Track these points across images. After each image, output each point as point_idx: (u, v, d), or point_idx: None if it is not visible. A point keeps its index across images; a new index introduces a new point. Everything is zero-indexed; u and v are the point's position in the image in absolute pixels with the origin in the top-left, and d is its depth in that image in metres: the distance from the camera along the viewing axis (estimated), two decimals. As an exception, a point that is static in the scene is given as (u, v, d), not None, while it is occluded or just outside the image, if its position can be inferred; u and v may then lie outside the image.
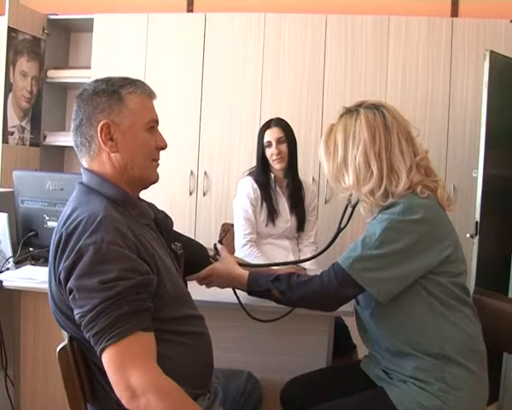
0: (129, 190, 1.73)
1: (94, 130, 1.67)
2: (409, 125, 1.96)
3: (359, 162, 1.90)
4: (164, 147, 1.79)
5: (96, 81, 1.72)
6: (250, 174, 3.43)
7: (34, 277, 2.50)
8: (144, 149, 1.72)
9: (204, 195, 4.45)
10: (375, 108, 1.94)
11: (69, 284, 1.50)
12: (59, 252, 1.55)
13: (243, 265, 2.21)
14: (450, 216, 1.95)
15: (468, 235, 3.57)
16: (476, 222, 3.54)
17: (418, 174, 1.90)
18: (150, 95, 1.76)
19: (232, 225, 3.47)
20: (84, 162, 1.73)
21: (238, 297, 2.15)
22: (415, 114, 4.10)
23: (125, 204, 1.69)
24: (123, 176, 1.70)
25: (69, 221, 1.57)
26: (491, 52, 3.55)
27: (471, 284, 3.40)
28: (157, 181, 1.79)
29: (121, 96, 1.69)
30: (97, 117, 1.66)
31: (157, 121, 1.77)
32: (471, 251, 3.53)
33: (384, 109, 1.93)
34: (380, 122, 1.90)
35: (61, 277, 1.53)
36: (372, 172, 1.89)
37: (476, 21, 4.15)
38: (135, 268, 1.52)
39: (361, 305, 2.02)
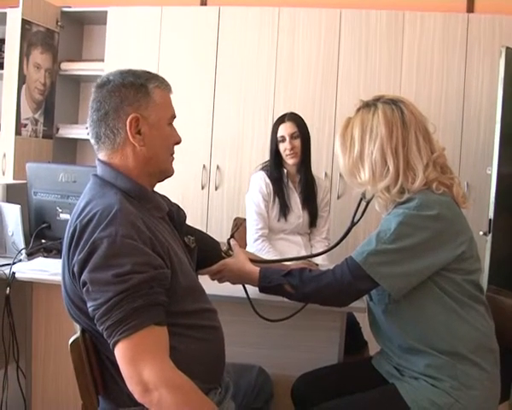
0: (146, 183, 1.74)
1: (122, 122, 1.66)
2: (426, 122, 1.94)
3: (376, 158, 1.88)
4: (179, 142, 1.81)
5: (122, 73, 1.71)
6: (263, 169, 3.43)
7: (46, 268, 2.51)
8: (167, 143, 1.75)
9: (216, 189, 4.45)
10: (393, 103, 1.92)
11: (83, 277, 1.50)
12: (73, 244, 1.55)
13: (255, 261, 2.21)
14: (463, 213, 1.94)
15: (481, 232, 3.56)
16: (490, 220, 3.53)
17: (434, 171, 1.89)
18: (170, 90, 1.78)
19: (244, 220, 3.47)
20: (103, 154, 1.72)
21: (248, 294, 2.14)
22: (429, 110, 4.04)
23: (139, 197, 1.69)
24: (144, 169, 1.71)
25: (83, 214, 1.57)
26: (507, 48, 3.53)
27: (484, 281, 3.39)
28: (172, 175, 1.81)
29: (148, 90, 1.69)
30: (126, 110, 1.66)
31: (175, 117, 1.79)
32: (484, 249, 3.52)
33: (402, 105, 1.91)
34: (397, 118, 1.88)
35: (75, 269, 1.53)
36: (388, 168, 1.88)
37: (492, 17, 4.11)
38: (149, 262, 1.52)
39: (374, 301, 2.01)
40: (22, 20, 4.35)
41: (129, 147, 1.68)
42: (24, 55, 4.41)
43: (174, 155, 1.80)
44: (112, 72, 1.73)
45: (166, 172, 1.79)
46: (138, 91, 1.68)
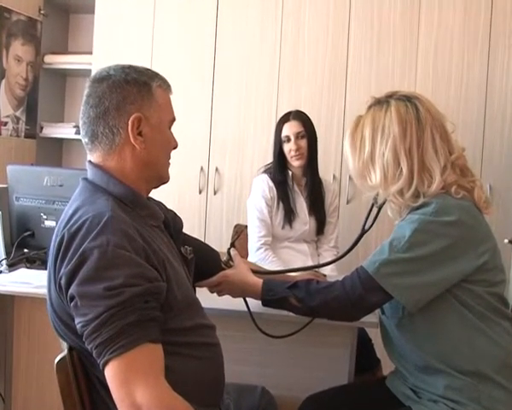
0: (142, 189, 1.75)
1: (123, 121, 1.67)
2: (444, 120, 1.95)
3: (388, 159, 1.89)
4: (176, 147, 1.83)
5: (124, 68, 1.72)
6: (266, 171, 3.44)
7: (29, 281, 2.52)
8: (168, 147, 1.78)
9: (215, 193, 4.45)
10: (408, 99, 1.93)
11: (71, 290, 1.50)
12: (60, 255, 1.55)
13: (258, 272, 2.22)
14: (486, 219, 1.95)
15: (506, 240, 3.55)
16: (515, 226, 3.53)
17: (453, 174, 1.90)
18: (171, 91, 1.80)
19: (245, 227, 3.48)
20: (97, 155, 1.72)
21: (249, 309, 2.15)
22: (447, 105, 4.05)
23: (133, 204, 1.69)
24: (142, 174, 1.72)
25: (72, 221, 1.57)
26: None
27: (510, 294, 3.38)
28: (168, 181, 1.83)
29: (151, 89, 1.71)
30: (127, 108, 1.67)
31: (175, 120, 1.81)
32: (510, 258, 3.51)
33: (417, 101, 1.92)
34: (412, 116, 1.89)
35: (62, 282, 1.52)
36: (401, 170, 1.88)
37: (520, -1, 4.08)
38: (143, 274, 1.52)
39: (386, 314, 2.02)
40: (0, 7, 4.35)
41: (128, 149, 1.69)
42: (3, 46, 4.42)
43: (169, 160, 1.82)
44: (111, 66, 1.73)
45: (163, 179, 1.80)
46: (141, 89, 1.69)
